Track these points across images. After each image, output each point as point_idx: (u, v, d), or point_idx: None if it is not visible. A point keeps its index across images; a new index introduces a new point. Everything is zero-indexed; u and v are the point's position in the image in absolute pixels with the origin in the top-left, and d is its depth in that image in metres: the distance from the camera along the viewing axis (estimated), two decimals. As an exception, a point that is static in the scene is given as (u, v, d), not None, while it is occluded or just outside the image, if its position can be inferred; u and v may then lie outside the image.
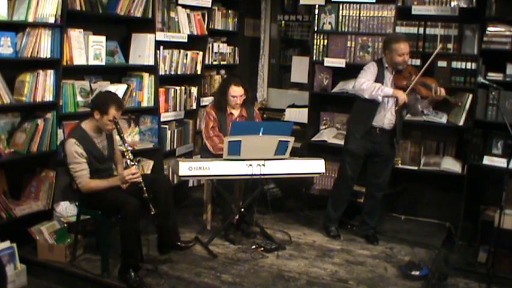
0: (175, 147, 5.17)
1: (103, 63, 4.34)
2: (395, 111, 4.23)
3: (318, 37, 5.19)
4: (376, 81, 4.20)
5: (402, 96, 4.07)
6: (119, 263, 3.83)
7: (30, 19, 3.73)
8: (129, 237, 3.60)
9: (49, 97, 3.94)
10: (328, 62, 5.09)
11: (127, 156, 3.67)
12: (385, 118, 4.25)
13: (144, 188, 3.59)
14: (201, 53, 5.30)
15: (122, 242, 3.64)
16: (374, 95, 4.12)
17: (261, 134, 4.09)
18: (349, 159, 4.43)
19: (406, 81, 4.17)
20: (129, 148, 3.69)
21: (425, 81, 4.16)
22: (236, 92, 4.44)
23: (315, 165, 4.32)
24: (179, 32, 5.03)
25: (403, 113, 4.41)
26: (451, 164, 4.72)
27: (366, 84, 4.15)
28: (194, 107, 5.38)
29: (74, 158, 3.60)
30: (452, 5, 4.60)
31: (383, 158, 4.39)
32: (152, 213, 3.62)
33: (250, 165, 4.10)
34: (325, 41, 5.14)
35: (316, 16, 5.18)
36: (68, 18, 3.93)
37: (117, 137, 3.85)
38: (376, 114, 4.25)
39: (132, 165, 3.64)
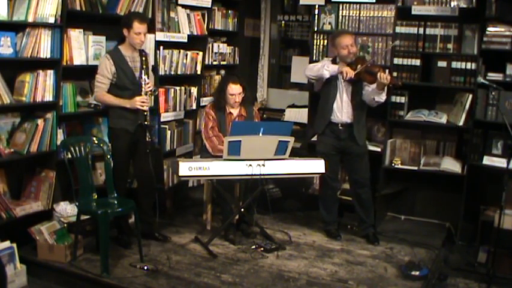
0: (175, 147, 5.17)
1: (103, 63, 4.34)
2: (350, 98, 4.35)
3: (318, 37, 5.19)
4: (329, 78, 4.35)
5: (348, 70, 4.19)
6: (118, 263, 3.85)
7: (30, 19, 3.73)
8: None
9: (49, 97, 3.95)
10: (328, 62, 5.09)
11: (143, 85, 4.02)
12: (343, 110, 4.36)
13: (147, 117, 4.03)
14: (201, 53, 5.30)
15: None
16: (320, 71, 4.33)
17: (261, 134, 4.10)
18: None
19: (354, 72, 4.27)
20: (146, 79, 4.05)
21: (369, 68, 4.26)
22: (234, 89, 4.44)
23: (315, 165, 4.32)
24: (179, 32, 5.03)
25: (361, 106, 4.43)
26: (451, 164, 4.72)
27: (311, 64, 4.39)
28: (194, 107, 5.37)
29: (101, 70, 4.01)
30: (452, 5, 4.59)
31: (354, 155, 4.45)
32: (148, 139, 4.04)
33: (250, 165, 4.10)
34: (325, 41, 5.14)
35: (316, 16, 5.18)
36: (68, 18, 3.93)
37: (150, 66, 4.21)
38: (333, 107, 4.36)
39: (145, 94, 4.02)
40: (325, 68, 4.32)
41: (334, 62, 4.44)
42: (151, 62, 4.42)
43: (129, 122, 4.06)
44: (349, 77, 4.20)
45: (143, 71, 4.04)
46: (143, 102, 4.00)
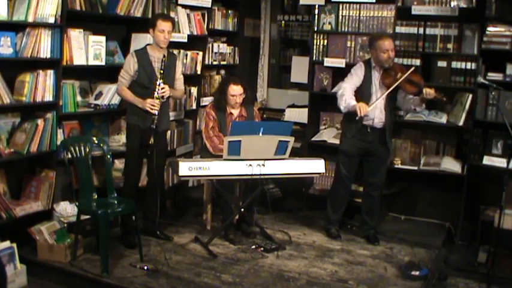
0: (175, 147, 5.17)
1: (103, 63, 4.34)
2: (384, 105, 4.28)
3: (318, 37, 5.18)
4: (363, 81, 4.28)
5: (363, 110, 4.07)
6: (118, 263, 3.85)
7: (30, 19, 3.73)
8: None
9: (49, 97, 3.95)
10: (328, 62, 5.09)
11: (156, 89, 4.07)
12: (375, 116, 4.29)
13: (155, 121, 4.08)
14: (201, 53, 5.30)
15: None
16: (338, 104, 4.25)
17: (261, 134, 4.10)
18: (343, 159, 4.46)
19: (391, 79, 4.20)
20: (161, 83, 4.08)
21: (411, 78, 4.18)
22: (235, 90, 4.44)
23: (315, 165, 4.32)
24: (179, 32, 5.03)
25: (393, 111, 4.43)
26: (451, 164, 4.72)
27: (340, 92, 4.26)
28: (194, 107, 5.37)
29: (125, 66, 4.17)
30: (452, 5, 4.59)
31: (377, 157, 4.41)
32: (150, 142, 4.11)
33: (250, 165, 4.10)
34: (325, 41, 5.14)
35: (316, 16, 5.18)
36: (68, 18, 3.93)
37: (178, 70, 4.38)
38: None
39: (157, 98, 4.07)
40: (342, 105, 4.20)
41: (368, 64, 4.33)
42: (179, 66, 4.43)
43: (141, 120, 4.14)
44: (364, 114, 4.08)
45: (159, 75, 4.08)
46: (153, 105, 4.06)
